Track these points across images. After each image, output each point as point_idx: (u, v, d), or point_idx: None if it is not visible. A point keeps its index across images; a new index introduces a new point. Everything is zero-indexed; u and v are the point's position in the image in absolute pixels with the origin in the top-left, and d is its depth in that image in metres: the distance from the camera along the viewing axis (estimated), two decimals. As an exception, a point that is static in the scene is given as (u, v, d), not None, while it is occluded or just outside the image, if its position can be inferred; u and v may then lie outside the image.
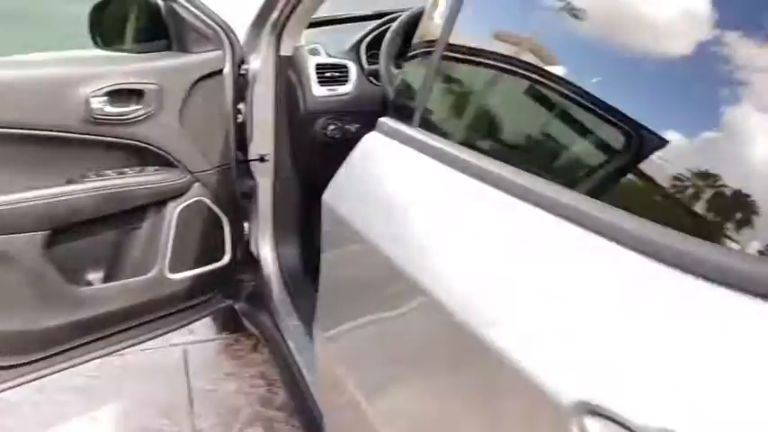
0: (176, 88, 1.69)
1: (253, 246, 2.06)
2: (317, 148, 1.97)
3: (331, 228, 1.18)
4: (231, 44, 1.76)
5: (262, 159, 1.95)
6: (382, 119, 1.15)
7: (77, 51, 1.89)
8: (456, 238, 0.85)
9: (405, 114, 1.10)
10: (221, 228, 1.90)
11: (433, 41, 1.05)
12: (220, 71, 1.76)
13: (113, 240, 1.72)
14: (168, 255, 1.78)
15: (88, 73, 1.58)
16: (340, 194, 1.16)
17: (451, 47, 1.02)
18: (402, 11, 2.14)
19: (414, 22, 1.95)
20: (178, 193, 1.76)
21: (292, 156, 1.99)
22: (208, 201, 1.83)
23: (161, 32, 1.75)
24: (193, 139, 1.76)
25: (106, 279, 1.72)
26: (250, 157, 1.93)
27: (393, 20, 2.02)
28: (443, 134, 1.00)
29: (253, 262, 2.06)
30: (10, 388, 1.64)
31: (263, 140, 1.94)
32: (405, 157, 1.03)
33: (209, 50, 1.74)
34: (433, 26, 1.09)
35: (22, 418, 2.05)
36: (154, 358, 2.33)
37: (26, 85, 1.52)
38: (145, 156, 1.71)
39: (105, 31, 1.79)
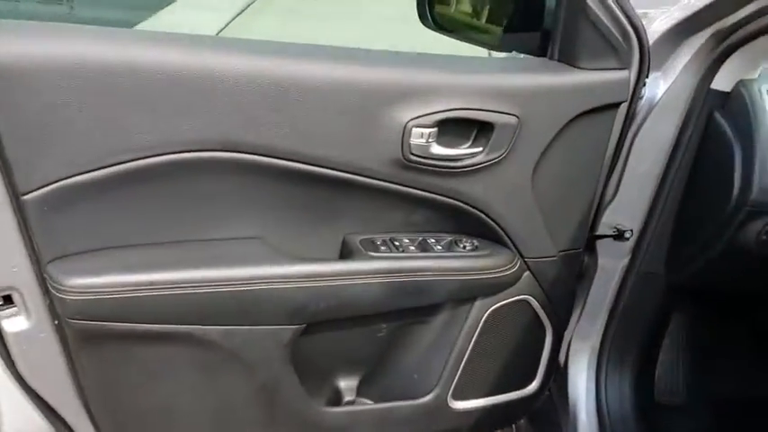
0: (545, 124, 0.99)
1: (561, 352, 1.36)
2: (727, 254, 1.17)
3: None
4: (641, 62, 1.01)
5: (619, 235, 1.21)
6: None
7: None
8: None
9: None
10: (540, 340, 1.21)
11: None
12: (617, 104, 1.03)
13: (381, 340, 1.10)
14: (458, 374, 1.13)
15: (414, 84, 0.92)
16: None
17: None
18: None
19: None
20: (497, 288, 1.09)
21: (675, 247, 1.22)
22: (535, 302, 1.14)
23: (533, 23, 1.04)
24: (543, 208, 1.06)
25: (361, 393, 1.11)
26: (601, 227, 1.20)
27: None
28: None
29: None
30: None
31: (629, 208, 1.20)
32: None
33: (610, 68, 1.01)
34: None
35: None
36: None
37: (330, 94, 0.89)
38: (462, 223, 1.04)
39: (443, 4, 1.13)
